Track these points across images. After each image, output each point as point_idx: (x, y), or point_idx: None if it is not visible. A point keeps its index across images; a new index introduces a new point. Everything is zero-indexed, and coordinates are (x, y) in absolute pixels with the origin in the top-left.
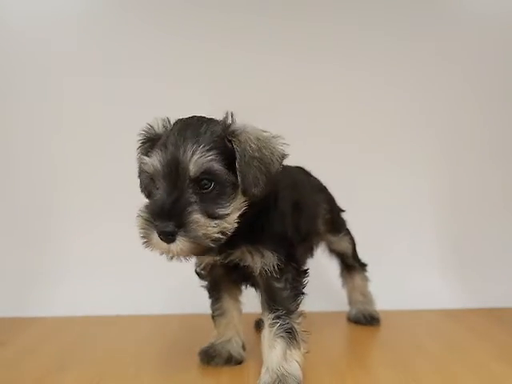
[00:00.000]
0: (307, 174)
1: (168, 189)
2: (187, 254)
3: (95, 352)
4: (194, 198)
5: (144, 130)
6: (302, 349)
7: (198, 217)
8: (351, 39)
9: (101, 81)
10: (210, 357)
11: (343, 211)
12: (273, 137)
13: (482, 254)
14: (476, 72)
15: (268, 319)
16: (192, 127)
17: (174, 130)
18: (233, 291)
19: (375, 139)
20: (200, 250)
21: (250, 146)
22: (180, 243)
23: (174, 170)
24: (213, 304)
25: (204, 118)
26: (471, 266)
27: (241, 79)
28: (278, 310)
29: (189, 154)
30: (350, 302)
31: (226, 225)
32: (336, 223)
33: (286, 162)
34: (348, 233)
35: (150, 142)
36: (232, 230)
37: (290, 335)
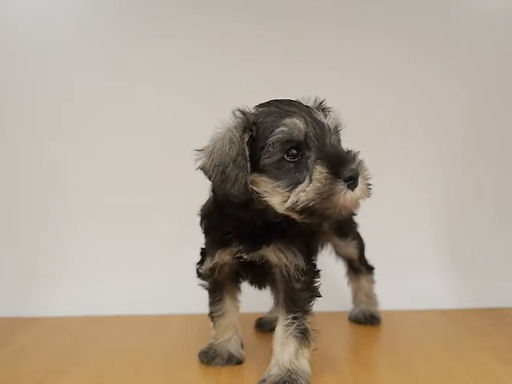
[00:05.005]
0: None
1: (328, 143)
2: (358, 204)
3: (95, 352)
4: None
5: (240, 117)
6: (310, 347)
7: (363, 160)
8: (350, 44)
9: (99, 80)
10: (211, 358)
11: (354, 214)
12: None
13: (481, 254)
14: (473, 74)
15: (285, 319)
16: (294, 101)
17: (281, 107)
18: (233, 291)
19: (374, 143)
20: (363, 197)
21: None
22: (361, 186)
23: (321, 129)
24: (213, 304)
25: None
26: (471, 266)
27: (239, 85)
28: (297, 311)
29: (322, 114)
30: (354, 302)
31: None
32: (344, 225)
33: None
34: (356, 237)
35: (250, 128)
36: None
37: (303, 335)
